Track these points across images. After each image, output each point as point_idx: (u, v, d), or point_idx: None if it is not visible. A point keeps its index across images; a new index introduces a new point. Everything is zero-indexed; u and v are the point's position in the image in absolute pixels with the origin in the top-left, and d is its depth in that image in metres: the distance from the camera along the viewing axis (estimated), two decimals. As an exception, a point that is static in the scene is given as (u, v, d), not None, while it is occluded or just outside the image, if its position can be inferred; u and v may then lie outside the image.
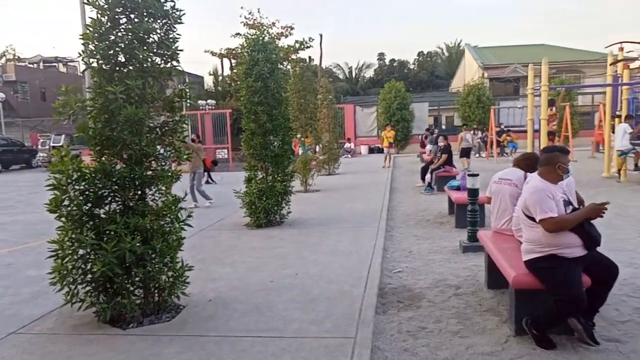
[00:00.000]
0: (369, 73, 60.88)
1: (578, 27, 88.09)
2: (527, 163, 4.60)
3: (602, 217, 3.50)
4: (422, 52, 61.05)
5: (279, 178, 8.08)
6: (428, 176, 11.42)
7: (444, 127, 31.96)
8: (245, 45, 8.06)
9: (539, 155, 4.14)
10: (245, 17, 28.16)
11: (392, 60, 61.29)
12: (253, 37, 8.01)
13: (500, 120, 23.63)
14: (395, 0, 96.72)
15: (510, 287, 3.68)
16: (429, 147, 14.61)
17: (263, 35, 8.06)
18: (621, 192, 10.11)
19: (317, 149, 16.64)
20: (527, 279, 3.51)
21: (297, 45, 29.04)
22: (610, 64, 12.41)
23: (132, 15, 4.00)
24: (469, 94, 25.40)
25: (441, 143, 11.56)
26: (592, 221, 3.57)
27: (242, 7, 36.16)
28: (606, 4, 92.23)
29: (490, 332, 3.76)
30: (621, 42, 12.38)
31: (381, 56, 61.62)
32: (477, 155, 21.73)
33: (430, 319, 4.07)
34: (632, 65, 12.67)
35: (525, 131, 11.55)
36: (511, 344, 3.55)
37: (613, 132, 12.75)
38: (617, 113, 12.12)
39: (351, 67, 59.25)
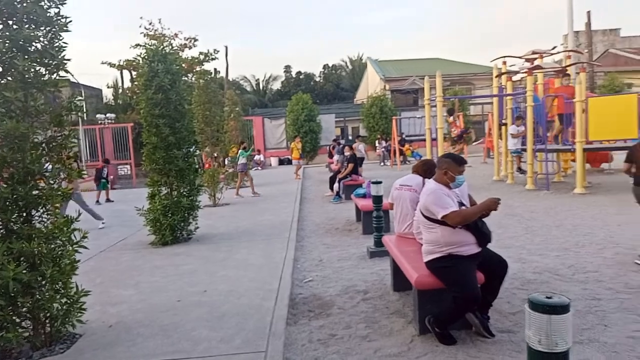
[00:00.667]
0: (277, 85, 61.29)
1: (468, 42, 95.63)
2: (425, 169, 4.87)
3: (496, 210, 3.76)
4: (327, 64, 62.65)
5: (184, 193, 7.81)
6: (336, 185, 11.68)
7: (350, 137, 32.97)
8: (144, 56, 7.73)
9: (434, 162, 4.40)
10: (145, 28, 27.05)
11: (299, 73, 62.20)
12: (152, 47, 7.71)
13: (402, 130, 24.86)
14: (298, 15, 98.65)
15: (413, 288, 3.84)
16: (336, 157, 14.96)
17: (162, 46, 7.79)
18: (509, 193, 11.04)
19: (226, 161, 16.36)
20: (429, 280, 3.69)
21: (202, 57, 28.45)
22: (495, 77, 13.58)
23: (10, 22, 3.67)
24: (372, 105, 26.47)
25: (347, 153, 11.89)
26: (484, 220, 3.84)
27: (141, 17, 34.71)
28: (492, 20, 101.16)
29: (397, 334, 3.90)
30: (504, 57, 13.61)
31: (288, 69, 62.32)
32: (382, 163, 22.65)
33: (340, 325, 4.12)
34: (515, 77, 13.93)
35: (425, 139, 12.25)
36: (416, 343, 3.71)
37: (501, 139, 13.95)
38: (503, 121, 13.25)
39: (258, 79, 59.30)
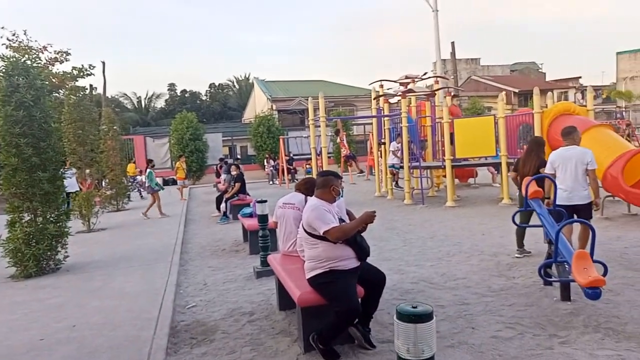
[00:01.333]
0: (160, 103, 58.98)
1: (351, 66, 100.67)
2: (307, 187, 4.95)
3: (372, 222, 3.91)
4: (213, 84, 61.85)
5: (51, 219, 7.09)
6: (223, 205, 11.43)
7: (239, 156, 32.71)
8: (2, 69, 6.95)
9: (315, 180, 4.49)
10: (7, 39, 24.42)
11: (184, 91, 60.54)
12: (11, 59, 6.97)
13: (290, 149, 25.22)
14: (179, 32, 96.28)
15: (297, 306, 3.84)
16: (223, 176, 14.68)
17: (24, 58, 7.08)
18: (389, 208, 11.67)
19: (103, 183, 15.24)
20: (311, 297, 3.72)
21: (75, 72, 26.38)
22: (374, 99, 14.40)
23: None
24: (260, 125, 26.56)
25: (234, 172, 11.73)
26: (364, 235, 3.98)
27: (2, 27, 31.01)
28: (373, 47, 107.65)
29: (282, 354, 3.86)
30: (381, 81, 14.48)
31: (172, 87, 60.38)
32: (271, 182, 22.72)
33: (224, 351, 3.98)
34: (392, 100, 14.87)
35: (311, 158, 12.55)
36: (301, 361, 3.70)
37: (381, 157, 14.74)
38: (382, 141, 14.04)
39: (140, 97, 56.54)
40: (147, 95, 57.04)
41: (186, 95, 60.23)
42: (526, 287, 5.16)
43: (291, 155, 23.34)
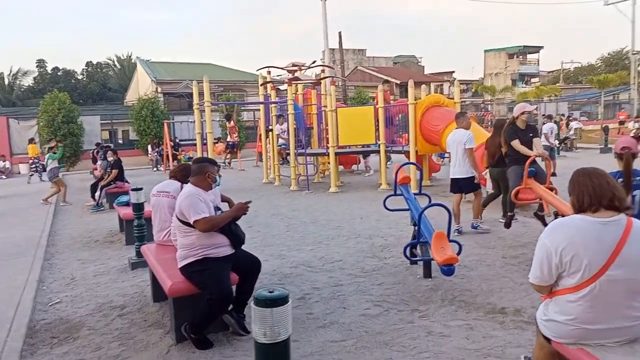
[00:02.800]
0: (28, 81, 53.05)
1: (242, 51, 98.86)
2: (183, 174, 4.80)
3: (246, 214, 3.92)
4: (91, 62, 57.01)
5: None
6: (97, 193, 10.68)
7: (120, 141, 30.66)
8: None
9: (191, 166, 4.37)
10: None
11: (56, 69, 54.98)
12: None
13: (176, 134, 24.23)
14: (48, 3, 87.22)
15: (168, 296, 3.75)
16: (99, 162, 13.68)
17: None
18: (276, 194, 11.77)
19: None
20: (183, 286, 3.65)
21: None
22: (261, 85, 14.34)
23: None
24: (143, 108, 25.08)
25: (110, 158, 10.99)
26: (241, 221, 3.98)
27: None
28: (265, 33, 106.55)
29: (153, 347, 3.75)
30: (269, 67, 14.46)
31: (41, 63, 54.49)
32: (155, 168, 21.69)
33: (88, 348, 3.76)
34: (282, 87, 14.94)
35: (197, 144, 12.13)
36: (172, 353, 3.63)
37: (268, 144, 14.76)
38: (270, 127, 14.06)
39: (2, 73, 50.31)
40: (11, 71, 50.96)
41: (59, 73, 54.79)
42: (395, 266, 5.54)
43: (177, 140, 22.44)
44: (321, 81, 13.52)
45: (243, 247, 4.03)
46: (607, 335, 2.24)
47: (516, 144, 6.18)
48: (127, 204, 7.73)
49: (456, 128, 7.02)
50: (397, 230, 7.26)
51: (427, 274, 5.03)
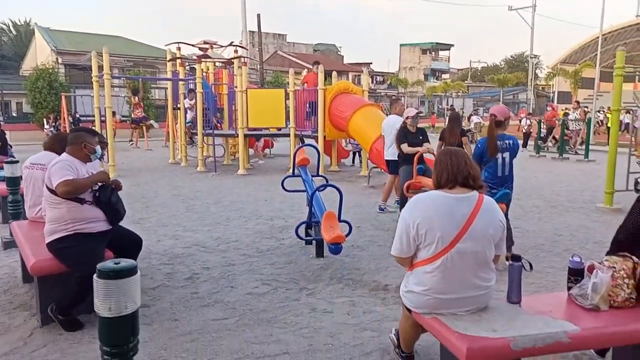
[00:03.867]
0: None
1: (156, 27, 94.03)
2: (61, 145, 4.43)
3: (108, 182, 3.62)
4: (-19, 25, 51.29)
5: None
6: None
7: (15, 114, 28.08)
8: None
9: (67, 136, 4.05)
10: None
11: (-61, 30, 48.88)
12: None
13: (77, 109, 22.58)
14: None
15: (32, 274, 3.45)
16: (-18, 135, 12.35)
17: None
18: (182, 175, 11.36)
19: None
20: (50, 264, 3.38)
21: None
22: (169, 61, 13.70)
23: None
24: (39, 79, 23.04)
25: (-7, 130, 9.96)
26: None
27: None
28: (183, 11, 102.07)
29: (15, 329, 3.45)
30: (179, 43, 13.83)
31: None
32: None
33: (-64, 333, 3.37)
34: (195, 65, 14.31)
35: (102, 120, 11.31)
36: (36, 335, 3.36)
37: (177, 123, 14.18)
38: (178, 106, 13.51)
39: None
40: None
41: (-59, 35, 48.78)
42: (290, 247, 5.56)
43: (77, 116, 20.93)
44: (233, 61, 13.18)
45: (130, 226, 3.81)
46: (459, 304, 2.38)
47: (405, 147, 6.44)
48: (2, 179, 7.06)
49: (390, 114, 7.97)
50: (299, 212, 7.29)
51: (320, 253, 5.09)
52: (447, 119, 9.14)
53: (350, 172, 11.99)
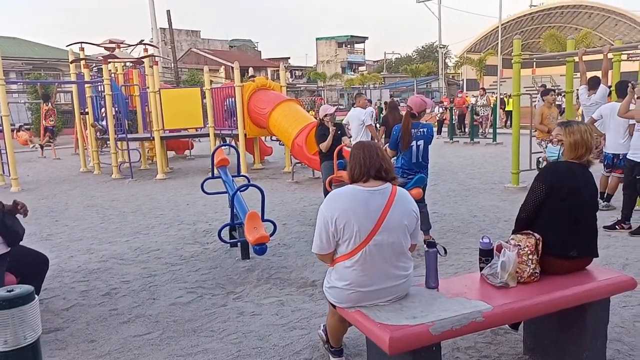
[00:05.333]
0: None
1: (56, 27, 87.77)
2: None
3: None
4: None
5: None
6: None
7: None
8: None
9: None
10: None
11: None
12: None
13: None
14: None
15: None
16: None
17: None
18: (95, 184, 10.71)
19: None
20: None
21: None
22: (71, 62, 12.83)
23: None
24: None
25: None
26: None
27: None
28: (88, 8, 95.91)
29: None
30: (82, 43, 12.96)
31: None
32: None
33: None
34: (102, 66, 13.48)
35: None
36: None
37: (86, 129, 13.34)
38: (85, 110, 12.69)
39: None
40: None
41: None
42: (215, 251, 5.42)
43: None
44: (144, 60, 12.58)
45: (37, 245, 3.52)
46: (380, 295, 2.43)
47: (324, 146, 6.48)
48: None
49: (354, 106, 8.76)
50: (223, 214, 7.11)
51: (245, 255, 5.01)
52: (388, 106, 10.78)
53: (274, 169, 11.93)
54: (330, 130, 6.39)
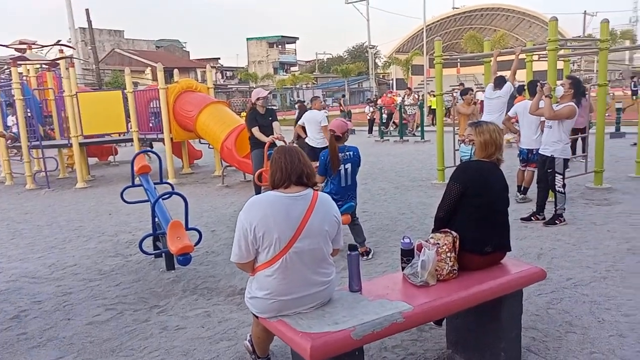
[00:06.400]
0: None
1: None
2: None
3: None
4: None
5: None
6: None
7: None
8: None
9: None
10: None
11: None
12: None
13: None
14: None
15: None
16: None
17: None
18: (7, 196, 9.91)
19: None
20: None
21: None
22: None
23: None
24: None
25: None
26: None
27: None
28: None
29: None
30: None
31: None
32: None
33: None
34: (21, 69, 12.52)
35: None
36: None
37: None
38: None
39: None
40: None
41: None
42: (138, 263, 5.16)
43: None
44: (59, 62, 11.81)
45: None
46: (302, 302, 2.38)
47: (256, 131, 6.38)
48: None
49: (310, 109, 8.72)
50: (148, 224, 6.69)
51: (170, 266, 4.80)
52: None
53: (204, 174, 11.63)
54: (260, 109, 6.31)
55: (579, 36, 30.25)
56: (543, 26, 45.69)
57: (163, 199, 4.85)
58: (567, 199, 5.75)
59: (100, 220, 7.29)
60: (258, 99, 6.52)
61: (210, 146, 11.53)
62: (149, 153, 6.52)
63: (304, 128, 8.25)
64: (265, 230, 2.28)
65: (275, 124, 6.68)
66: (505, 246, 2.89)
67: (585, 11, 49.88)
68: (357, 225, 4.99)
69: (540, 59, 9.38)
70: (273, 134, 6.60)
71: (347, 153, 4.76)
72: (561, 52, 8.81)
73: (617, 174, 8.25)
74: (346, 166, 4.72)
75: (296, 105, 16.53)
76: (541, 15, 47.46)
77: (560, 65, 7.69)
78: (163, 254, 4.82)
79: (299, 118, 10.97)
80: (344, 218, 4.82)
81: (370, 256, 4.88)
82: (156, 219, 4.81)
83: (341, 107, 24.24)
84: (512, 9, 50.03)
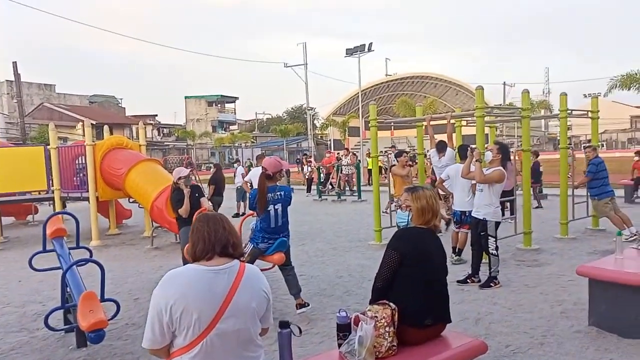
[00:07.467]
0: None
1: None
2: None
3: None
4: None
5: None
6: None
7: None
8: None
9: None
10: None
11: None
12: None
13: None
14: None
15: None
16: None
17: None
18: None
19: None
20: None
21: None
22: None
23: None
24: None
25: None
26: None
27: None
28: None
29: None
30: None
31: None
32: None
33: None
34: None
35: None
36: None
37: None
38: None
39: None
40: None
41: None
42: (45, 339, 4.57)
43: None
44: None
45: None
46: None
47: (182, 211, 6.10)
48: None
49: (255, 166, 8.95)
50: (63, 291, 6.16)
51: (81, 342, 4.26)
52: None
53: (133, 234, 10.95)
54: (185, 192, 6.00)
55: (501, 105, 32.67)
56: (468, 94, 49.09)
57: (78, 266, 4.38)
58: (500, 260, 5.82)
59: (7, 288, 6.55)
60: (180, 178, 6.25)
61: (140, 205, 10.96)
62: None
63: (251, 185, 8.11)
64: (183, 309, 2.00)
65: (202, 200, 6.43)
66: (446, 318, 2.75)
67: (504, 82, 54.48)
68: (291, 274, 4.76)
69: (469, 124, 9.87)
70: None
71: (278, 193, 4.61)
72: (487, 118, 9.33)
73: (545, 234, 8.57)
74: (276, 207, 4.56)
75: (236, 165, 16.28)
76: (466, 84, 51.16)
77: (486, 130, 8.09)
78: (75, 329, 4.28)
79: (212, 179, 11.56)
80: (277, 257, 4.60)
81: (305, 310, 4.69)
82: (68, 289, 4.30)
83: (304, 164, 21.62)
84: (439, 78, 53.66)
